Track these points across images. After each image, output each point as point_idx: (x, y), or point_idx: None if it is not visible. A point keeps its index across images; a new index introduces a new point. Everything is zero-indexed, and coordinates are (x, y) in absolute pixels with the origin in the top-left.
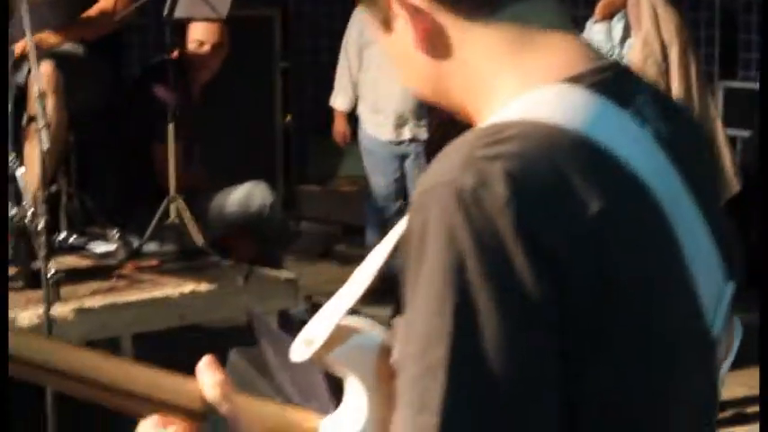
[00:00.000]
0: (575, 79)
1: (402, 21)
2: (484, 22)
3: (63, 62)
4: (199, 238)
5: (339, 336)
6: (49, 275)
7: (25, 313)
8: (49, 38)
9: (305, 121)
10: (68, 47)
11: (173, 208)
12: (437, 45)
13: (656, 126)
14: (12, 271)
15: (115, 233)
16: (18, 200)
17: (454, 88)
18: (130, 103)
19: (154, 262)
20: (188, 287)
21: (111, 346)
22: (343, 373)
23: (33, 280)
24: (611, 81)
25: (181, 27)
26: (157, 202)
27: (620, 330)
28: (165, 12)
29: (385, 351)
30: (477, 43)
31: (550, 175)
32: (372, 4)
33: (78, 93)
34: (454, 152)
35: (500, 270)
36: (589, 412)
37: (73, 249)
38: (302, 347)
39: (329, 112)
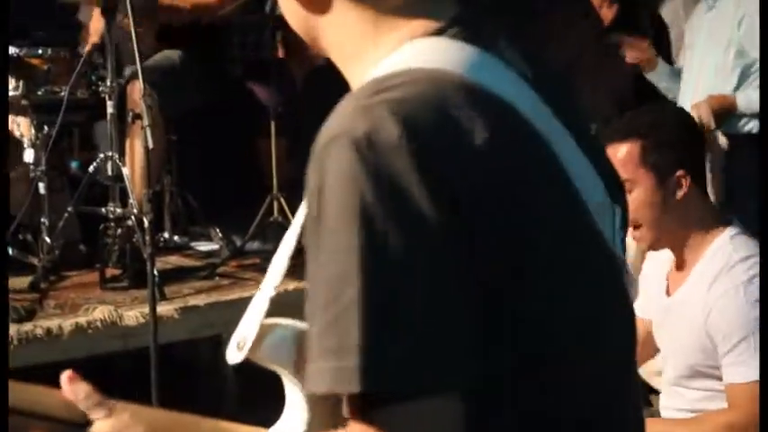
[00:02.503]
0: (438, 32)
1: None
2: (366, 3)
3: (158, 71)
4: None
5: (265, 332)
6: (154, 274)
7: (131, 312)
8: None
9: None
10: (165, 53)
11: (275, 205)
12: (324, 7)
13: (520, 67)
14: (117, 270)
15: (218, 232)
16: (123, 199)
17: (324, 41)
18: (232, 102)
19: (257, 260)
20: (291, 285)
21: (213, 343)
22: (277, 370)
23: (138, 279)
24: (471, 30)
25: (283, 25)
26: (260, 200)
27: (523, 243)
28: (267, 9)
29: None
30: (350, 14)
31: (436, 112)
32: None
33: (179, 94)
34: (343, 107)
35: (402, 203)
36: (518, 325)
37: (177, 248)
38: (235, 351)
39: None
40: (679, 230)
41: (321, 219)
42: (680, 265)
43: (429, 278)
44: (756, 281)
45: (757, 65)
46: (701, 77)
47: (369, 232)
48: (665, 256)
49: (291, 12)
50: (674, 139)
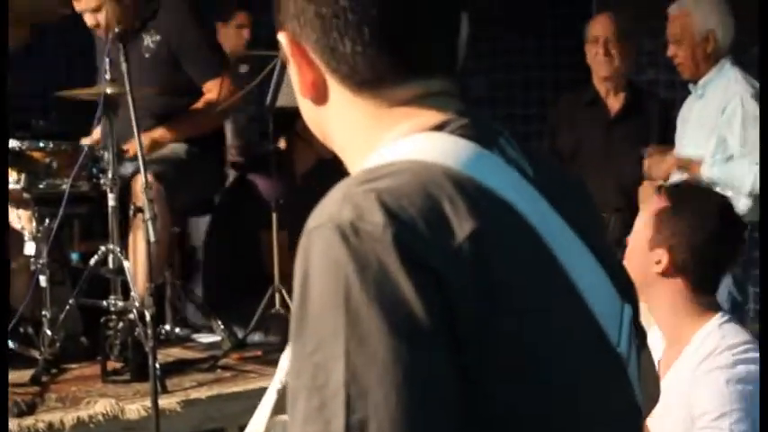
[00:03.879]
0: (437, 127)
1: (293, 61)
2: (368, 96)
3: (165, 164)
4: None
5: (272, 429)
6: (156, 367)
7: (133, 405)
8: (162, 136)
9: None
10: (172, 147)
11: (277, 297)
12: (319, 95)
13: (521, 165)
14: (119, 363)
15: (220, 324)
16: (125, 291)
17: (331, 134)
18: (234, 195)
19: (259, 352)
20: None
21: None
22: None
23: (140, 372)
24: (471, 127)
25: (283, 116)
26: (261, 292)
27: (510, 338)
28: (268, 101)
29: None
30: (357, 111)
31: (423, 202)
32: (278, 33)
33: (185, 187)
34: (332, 195)
35: (385, 292)
36: (500, 423)
37: (178, 340)
38: None
39: None
40: (668, 313)
41: (306, 304)
42: (669, 350)
43: (412, 368)
44: (741, 366)
45: (731, 150)
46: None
47: (352, 319)
48: (657, 340)
49: (304, 107)
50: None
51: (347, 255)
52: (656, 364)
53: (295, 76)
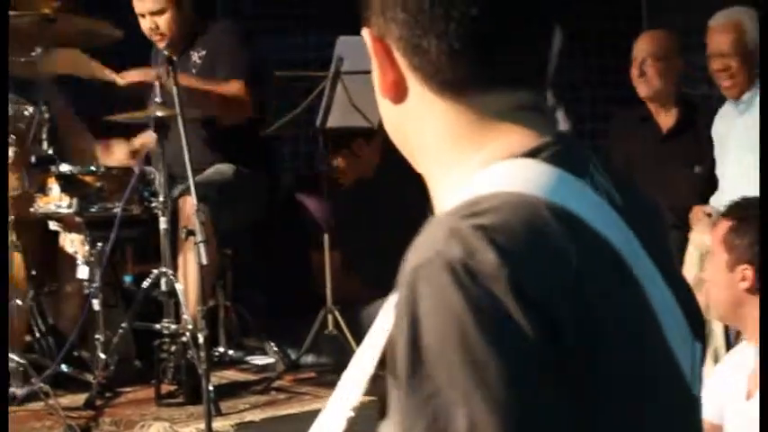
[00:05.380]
0: (532, 154)
1: (375, 58)
2: (452, 100)
3: (210, 186)
4: (357, 350)
5: None
6: (209, 390)
7: (187, 428)
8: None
9: None
10: (218, 168)
11: (330, 319)
12: (400, 95)
13: (610, 194)
14: (172, 386)
15: (273, 345)
16: (177, 314)
17: (410, 141)
18: (285, 215)
19: (312, 374)
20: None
21: None
22: None
23: (194, 394)
24: (564, 153)
25: (335, 137)
26: (313, 314)
27: (609, 377)
28: (318, 122)
29: None
30: (439, 116)
31: (532, 240)
32: (364, 30)
33: (233, 209)
34: (435, 228)
35: (504, 334)
36: None
37: (232, 363)
38: None
39: None
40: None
41: (418, 347)
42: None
43: (533, 411)
44: None
45: None
46: (733, 181)
47: (471, 363)
48: (747, 355)
49: (383, 107)
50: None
51: (461, 296)
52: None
53: (376, 74)
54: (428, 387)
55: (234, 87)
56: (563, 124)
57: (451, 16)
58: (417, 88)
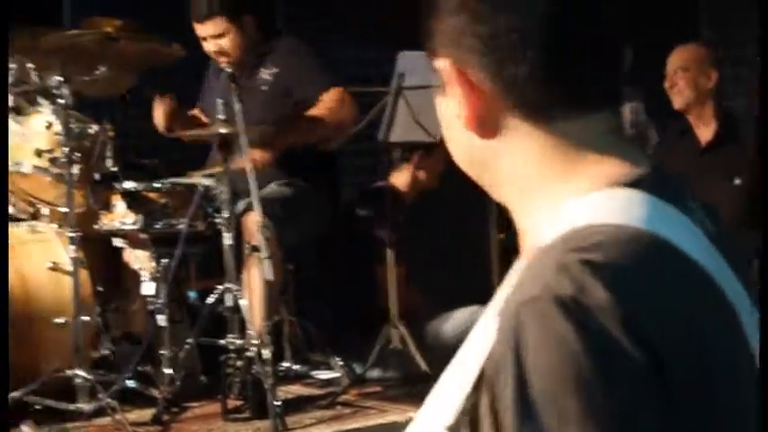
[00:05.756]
0: (631, 183)
1: (456, 90)
2: (538, 127)
3: (273, 202)
4: (422, 364)
5: None
6: (276, 405)
7: None
8: (264, 156)
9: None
10: (281, 184)
11: (394, 333)
12: (485, 126)
13: (704, 223)
14: (238, 401)
15: (338, 360)
16: (242, 329)
17: (492, 171)
18: (347, 230)
19: (378, 388)
20: (414, 413)
21: None
22: None
23: (260, 409)
24: (662, 182)
25: (396, 151)
26: (377, 328)
27: (708, 400)
28: (381, 136)
29: None
30: (526, 144)
31: (639, 275)
32: (434, 61)
33: (296, 224)
34: (542, 263)
35: (619, 373)
36: None
37: (297, 377)
38: None
39: None
40: None
41: (524, 384)
42: None
43: None
44: None
45: None
46: None
47: (586, 400)
48: None
49: (459, 140)
50: None
51: (574, 332)
52: None
53: (453, 106)
54: (542, 424)
55: (335, 96)
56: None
57: (528, 41)
58: (501, 117)
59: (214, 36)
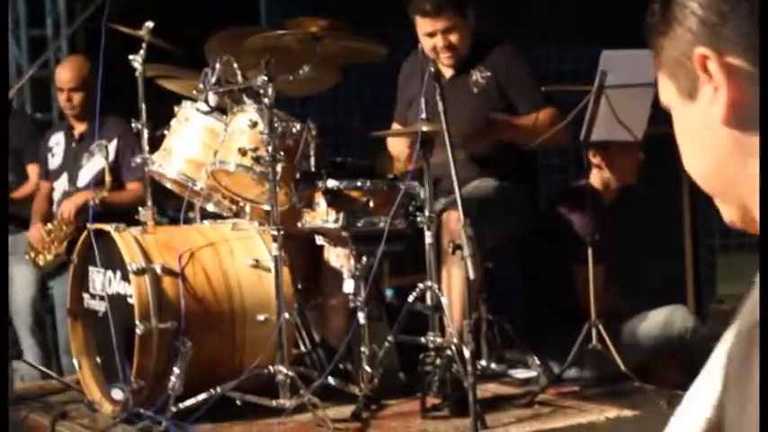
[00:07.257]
0: None
1: (709, 89)
2: None
3: (471, 200)
4: (620, 363)
5: None
6: (476, 403)
7: None
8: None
9: (714, 240)
10: (481, 182)
11: (594, 333)
12: (742, 119)
13: None
14: (437, 399)
15: (535, 359)
16: (441, 328)
17: (744, 178)
18: (547, 228)
19: (576, 388)
20: (612, 412)
21: None
22: None
23: (459, 408)
24: None
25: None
26: (574, 327)
27: None
28: (582, 135)
29: None
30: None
31: None
32: (679, 68)
33: (488, 225)
34: None
35: None
36: None
37: (494, 376)
38: None
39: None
40: None
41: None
42: None
43: None
44: None
45: None
46: None
47: None
48: None
49: (708, 148)
50: None
51: None
52: None
53: (704, 109)
54: None
55: (552, 113)
56: None
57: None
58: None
59: (444, 31)
